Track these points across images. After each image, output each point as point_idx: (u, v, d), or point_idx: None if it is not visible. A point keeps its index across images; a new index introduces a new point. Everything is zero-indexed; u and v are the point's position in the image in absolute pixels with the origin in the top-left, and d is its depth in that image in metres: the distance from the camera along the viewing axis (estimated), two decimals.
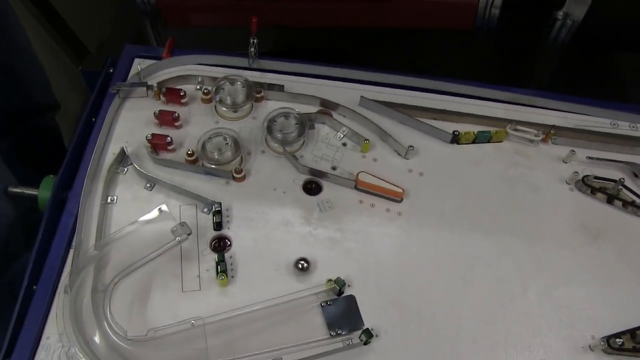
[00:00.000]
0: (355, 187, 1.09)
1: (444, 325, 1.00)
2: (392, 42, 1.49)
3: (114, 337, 0.90)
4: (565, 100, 1.26)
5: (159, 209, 1.01)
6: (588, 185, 1.20)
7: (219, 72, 1.21)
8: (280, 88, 1.18)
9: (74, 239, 1.00)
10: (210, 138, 1.08)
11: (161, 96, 1.15)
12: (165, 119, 1.11)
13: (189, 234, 0.97)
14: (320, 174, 1.09)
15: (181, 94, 1.14)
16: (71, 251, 0.99)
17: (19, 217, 1.18)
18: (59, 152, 1.53)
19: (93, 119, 1.14)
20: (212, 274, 0.99)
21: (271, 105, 1.18)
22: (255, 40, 1.16)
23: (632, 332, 1.05)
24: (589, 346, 1.02)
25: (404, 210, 1.09)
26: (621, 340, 1.02)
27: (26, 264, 0.99)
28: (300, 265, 1.00)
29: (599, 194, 1.20)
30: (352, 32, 1.53)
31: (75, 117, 1.58)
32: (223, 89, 1.14)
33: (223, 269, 0.97)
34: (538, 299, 1.04)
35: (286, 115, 1.12)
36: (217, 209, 1.03)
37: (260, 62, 1.21)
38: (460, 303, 1.02)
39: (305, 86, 1.21)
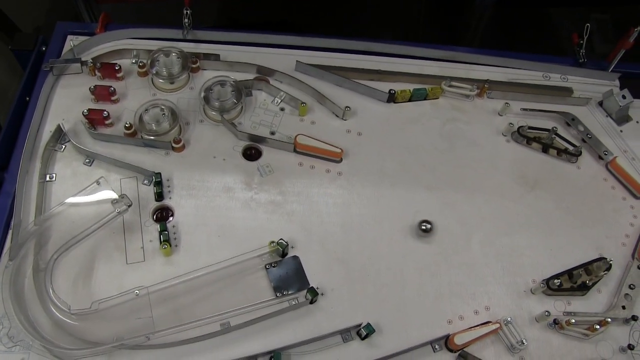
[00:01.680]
0: (295, 150, 1.11)
1: (389, 279, 1.03)
2: (329, 9, 1.49)
3: (58, 313, 0.91)
4: (498, 55, 1.29)
5: (97, 181, 1.01)
6: (523, 136, 1.23)
7: (154, 45, 1.20)
8: (216, 57, 1.19)
9: (13, 219, 0.99)
10: (147, 110, 1.08)
11: (96, 72, 1.14)
12: (102, 93, 1.10)
13: (129, 206, 0.97)
14: (259, 139, 1.11)
15: (116, 68, 1.13)
16: (10, 232, 0.98)
17: None
18: None
19: (27, 98, 1.12)
20: (156, 244, 0.99)
21: (208, 75, 1.18)
22: (188, 11, 1.16)
23: (569, 273, 1.10)
24: (530, 290, 1.07)
25: (344, 170, 1.11)
26: (559, 281, 1.08)
27: None
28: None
29: (535, 144, 1.24)
30: (290, 3, 1.53)
31: (5, 97, 1.55)
32: (158, 60, 1.14)
33: (165, 239, 0.98)
34: (480, 249, 1.08)
35: (222, 84, 1.12)
36: (157, 180, 1.03)
37: (195, 33, 1.21)
38: (404, 257, 1.05)
39: (242, 54, 1.21)
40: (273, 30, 1.24)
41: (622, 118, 1.32)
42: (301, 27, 1.28)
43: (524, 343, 0.99)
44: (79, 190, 1.03)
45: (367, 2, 1.41)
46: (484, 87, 1.23)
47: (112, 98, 1.11)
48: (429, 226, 1.06)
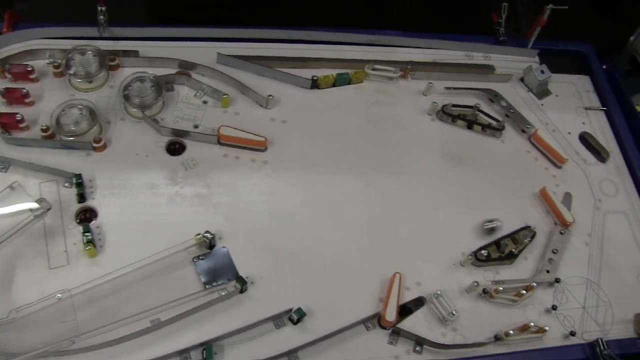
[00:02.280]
0: (219, 142, 1.10)
1: (319, 263, 1.04)
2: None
3: None
4: (421, 37, 1.31)
5: (11, 186, 0.98)
6: (448, 114, 1.26)
7: (70, 44, 1.17)
8: (135, 54, 1.17)
9: None
10: (64, 110, 1.06)
11: (6, 74, 1.10)
12: (14, 96, 1.07)
13: (48, 209, 0.95)
14: (182, 133, 1.10)
15: (28, 69, 1.10)
16: None
17: None
18: None
19: None
20: (80, 246, 0.98)
21: (128, 73, 1.16)
22: (103, 8, 1.14)
23: (497, 243, 1.14)
24: (460, 262, 1.10)
25: (270, 158, 1.12)
26: (487, 251, 1.11)
27: None
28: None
29: (459, 121, 1.27)
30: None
31: None
32: (74, 60, 1.11)
33: (89, 240, 0.96)
34: (409, 226, 1.11)
35: (141, 80, 1.11)
36: (78, 181, 1.01)
37: (111, 30, 1.19)
38: (333, 241, 1.06)
39: (162, 49, 1.20)
40: (193, 23, 1.23)
41: (542, 92, 1.37)
42: (222, 19, 1.27)
43: (454, 314, 1.02)
44: None
45: None
46: (407, 69, 1.25)
47: (27, 100, 1.08)
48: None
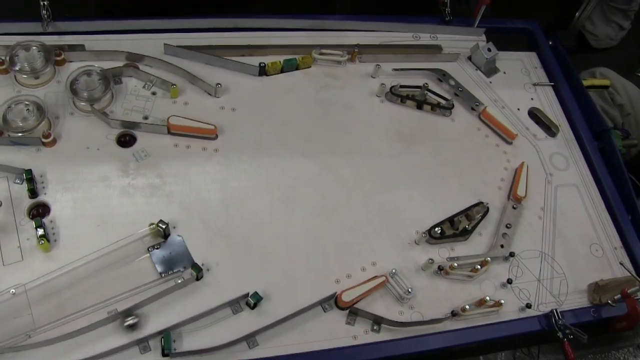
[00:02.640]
0: (169, 132, 1.11)
1: (274, 247, 1.05)
2: None
3: None
4: (368, 20, 1.33)
5: None
6: (397, 95, 1.28)
7: (13, 40, 1.15)
8: (82, 47, 1.17)
9: None
10: (9, 107, 1.05)
11: None
12: None
13: None
14: (132, 125, 1.10)
15: None
16: None
17: None
18: None
19: None
20: (34, 242, 0.98)
21: (75, 67, 1.15)
22: (45, 2, 1.13)
23: (450, 220, 1.16)
24: (415, 241, 1.12)
25: (220, 146, 1.13)
26: (440, 228, 1.13)
27: None
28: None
29: (409, 102, 1.29)
30: None
31: None
32: (18, 56, 1.10)
33: (42, 234, 0.96)
34: (363, 207, 1.13)
35: (88, 73, 1.11)
36: (27, 177, 1.01)
37: (56, 24, 1.18)
38: (287, 224, 1.08)
39: (109, 43, 1.20)
40: (139, 15, 1.23)
41: (490, 70, 1.40)
42: (169, 10, 1.26)
43: (410, 292, 1.04)
44: None
45: None
46: (355, 52, 1.26)
47: None
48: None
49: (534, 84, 1.40)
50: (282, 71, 1.22)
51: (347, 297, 1.01)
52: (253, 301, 0.98)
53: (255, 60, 1.21)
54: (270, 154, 1.14)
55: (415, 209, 1.15)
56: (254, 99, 1.19)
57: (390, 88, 1.25)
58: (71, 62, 1.17)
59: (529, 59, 1.46)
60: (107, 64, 1.16)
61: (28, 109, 1.06)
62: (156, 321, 0.94)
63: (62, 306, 0.93)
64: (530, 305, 1.09)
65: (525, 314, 1.09)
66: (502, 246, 1.15)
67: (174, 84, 1.13)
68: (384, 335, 1.02)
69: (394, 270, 1.05)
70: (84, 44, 1.18)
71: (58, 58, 1.14)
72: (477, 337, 1.06)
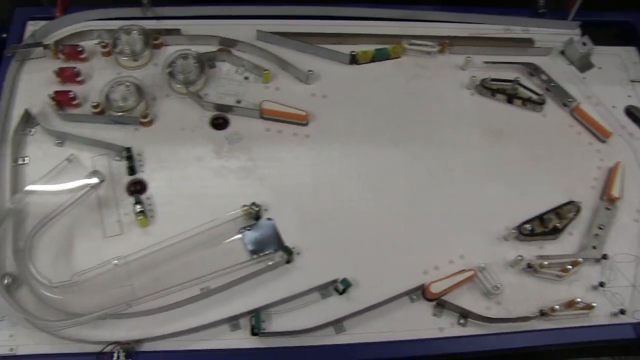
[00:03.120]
0: (261, 117, 1.12)
1: (364, 235, 1.05)
2: None
3: (40, 287, 0.93)
4: (458, 11, 1.31)
5: (68, 159, 1.02)
6: (487, 88, 1.25)
7: (116, 25, 1.20)
8: (177, 32, 1.20)
9: None
10: (112, 87, 1.09)
11: (59, 54, 1.15)
12: (66, 75, 1.11)
13: (102, 181, 0.99)
14: (226, 108, 1.12)
15: (79, 49, 1.14)
16: None
17: None
18: None
19: None
20: (132, 217, 1.01)
21: (171, 51, 1.18)
22: None
23: (540, 218, 1.13)
24: (503, 237, 1.09)
25: (311, 132, 1.13)
26: (530, 226, 1.10)
27: None
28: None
29: (499, 95, 1.26)
30: None
31: None
32: (120, 39, 1.15)
33: (141, 210, 0.99)
34: (451, 200, 1.11)
35: (184, 57, 1.13)
36: (128, 155, 1.05)
37: (155, 10, 1.22)
38: (377, 212, 1.08)
39: (203, 28, 1.22)
40: (232, 2, 1.25)
41: (584, 65, 1.34)
42: None
43: (498, 288, 1.01)
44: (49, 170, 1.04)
45: None
46: (445, 43, 1.24)
47: (78, 79, 1.12)
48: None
49: (632, 81, 1.33)
50: (372, 60, 1.21)
51: (435, 289, 1.00)
52: (342, 287, 0.98)
53: (345, 49, 1.21)
54: (361, 141, 1.13)
55: (504, 205, 1.11)
56: (344, 87, 1.19)
57: (481, 81, 1.22)
58: (167, 45, 1.20)
59: (628, 54, 1.38)
60: (202, 48, 1.18)
61: (129, 90, 1.10)
62: (246, 301, 0.96)
63: (158, 279, 0.96)
64: (625, 312, 1.04)
65: (619, 320, 1.04)
66: (594, 247, 1.10)
67: (267, 69, 1.14)
68: (470, 329, 1.00)
69: (482, 265, 1.03)
70: (180, 29, 1.20)
71: (156, 41, 1.18)
72: (565, 339, 1.02)
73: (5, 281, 0.92)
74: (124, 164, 1.06)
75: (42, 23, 1.20)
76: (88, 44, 1.19)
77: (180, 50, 1.14)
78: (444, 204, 1.10)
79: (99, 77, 1.16)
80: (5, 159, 1.05)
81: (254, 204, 1.01)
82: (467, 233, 1.08)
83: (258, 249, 1.00)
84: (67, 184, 1.01)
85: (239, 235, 1.01)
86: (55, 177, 1.02)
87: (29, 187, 1.01)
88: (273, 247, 1.00)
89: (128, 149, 1.05)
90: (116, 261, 0.95)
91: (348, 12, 1.25)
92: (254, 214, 1.01)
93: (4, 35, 1.17)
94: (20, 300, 0.93)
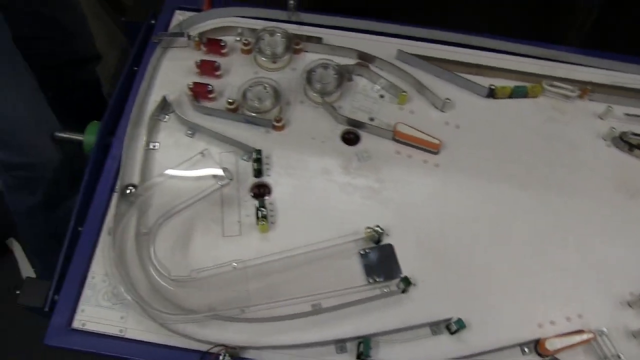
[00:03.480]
0: (393, 138, 1.10)
1: (482, 276, 1.01)
2: None
3: (158, 278, 0.93)
4: (602, 57, 1.25)
5: (202, 153, 1.02)
6: (625, 142, 1.19)
7: (258, 24, 1.21)
8: (319, 40, 1.19)
9: (118, 182, 1.03)
10: (251, 87, 1.09)
11: (202, 46, 1.16)
12: (206, 68, 1.12)
13: (230, 179, 0.99)
14: (359, 124, 1.10)
15: (222, 44, 1.14)
16: (115, 194, 1.02)
17: (64, 163, 1.21)
18: (98, 102, 1.56)
19: (135, 68, 1.15)
20: (252, 219, 1.01)
21: (309, 57, 1.18)
22: None
23: None
24: (628, 302, 1.02)
25: (441, 162, 1.10)
26: None
27: (70, 209, 1.02)
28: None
29: (637, 151, 1.20)
30: None
31: (112, 68, 1.60)
32: (263, 39, 1.15)
33: (264, 215, 0.99)
34: (576, 254, 1.05)
35: (325, 66, 1.12)
36: (257, 157, 1.04)
37: (299, 15, 1.21)
38: (497, 255, 1.03)
39: (343, 39, 1.21)
40: (375, 17, 1.24)
41: None
42: (397, 12, 1.26)
43: (620, 358, 0.95)
44: (181, 160, 1.04)
45: None
46: (586, 89, 1.19)
47: (216, 73, 1.13)
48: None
49: None
50: (509, 96, 1.17)
51: (550, 346, 0.94)
52: (455, 327, 0.94)
53: (483, 80, 1.17)
54: (489, 179, 1.09)
55: (632, 268, 1.04)
56: (478, 120, 1.15)
57: (620, 133, 1.16)
58: (307, 52, 1.20)
59: None
60: (339, 60, 1.17)
61: (266, 92, 1.09)
62: (356, 325, 0.93)
63: (271, 288, 0.95)
64: None
65: None
66: None
67: (405, 91, 1.12)
68: None
69: (604, 330, 0.97)
70: (322, 37, 1.20)
71: (297, 47, 1.17)
72: None
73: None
74: (250, 165, 1.05)
75: (189, 14, 1.22)
76: (228, 39, 1.19)
77: (323, 59, 1.13)
78: (566, 257, 1.04)
79: (236, 74, 1.16)
80: (138, 141, 1.07)
81: (378, 227, 0.99)
82: (588, 291, 1.02)
83: (375, 274, 0.97)
84: (196, 178, 1.01)
85: (356, 257, 0.99)
86: (187, 169, 1.03)
87: (157, 179, 1.01)
88: (390, 274, 0.98)
89: (259, 151, 1.04)
90: (235, 264, 0.95)
91: (489, 43, 1.21)
92: (377, 237, 0.99)
93: (152, 22, 1.20)
94: (136, 284, 0.94)
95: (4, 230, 1.85)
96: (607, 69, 1.24)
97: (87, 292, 0.95)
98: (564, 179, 1.13)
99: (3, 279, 1.70)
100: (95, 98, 1.61)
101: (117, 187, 1.02)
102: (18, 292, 0.96)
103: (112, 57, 1.58)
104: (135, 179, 1.02)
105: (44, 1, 1.23)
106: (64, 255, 0.97)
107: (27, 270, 1.73)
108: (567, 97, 1.20)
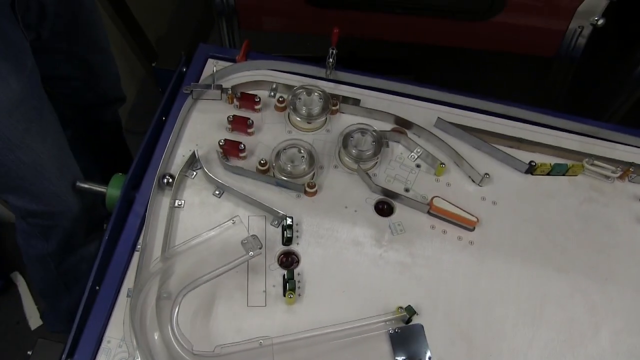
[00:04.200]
0: (428, 212, 1.06)
1: None
2: (458, 60, 1.45)
3: (180, 351, 0.88)
4: None
5: (232, 220, 0.98)
6: None
7: (294, 79, 1.18)
8: (356, 102, 1.15)
9: (140, 241, 0.98)
10: (285, 149, 1.05)
11: (234, 100, 1.12)
12: (239, 124, 1.08)
13: (260, 248, 0.94)
14: (394, 195, 1.06)
15: (256, 100, 1.11)
16: (136, 254, 0.97)
17: (83, 212, 1.17)
18: (118, 144, 1.52)
19: (164, 118, 1.11)
20: (279, 290, 0.96)
21: (345, 119, 1.15)
22: (334, 51, 1.13)
23: None
24: None
25: (476, 239, 1.06)
26: None
27: (82, 257, 0.98)
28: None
29: None
30: (412, 45, 1.49)
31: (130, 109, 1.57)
32: (300, 98, 1.11)
33: (292, 287, 0.94)
34: (610, 345, 1.00)
35: (363, 132, 1.09)
36: (288, 224, 0.99)
37: (336, 73, 1.18)
38: (528, 341, 0.99)
39: (380, 101, 1.18)
40: (396, 72, 1.21)
41: None
42: (429, 73, 1.24)
43: None
44: (206, 221, 1.00)
45: (503, 63, 1.36)
46: (628, 170, 1.15)
47: (249, 130, 1.09)
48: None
49: None
50: (548, 174, 1.14)
51: None
52: None
53: (520, 154, 1.14)
54: (524, 260, 1.05)
55: None
56: (516, 197, 1.11)
57: None
58: (343, 113, 1.16)
59: None
60: (375, 123, 1.13)
61: (302, 155, 1.05)
62: None
63: None
64: None
65: None
66: None
67: (443, 163, 1.08)
68: None
69: None
70: (360, 99, 1.16)
71: (334, 107, 1.13)
72: None
73: None
74: (279, 231, 1.01)
75: (222, 63, 1.18)
76: (260, 93, 1.16)
77: (361, 123, 1.10)
78: (601, 348, 0.99)
79: (268, 131, 1.13)
80: (163, 198, 1.02)
81: (410, 306, 0.94)
82: None
83: (404, 355, 0.92)
84: (223, 245, 0.96)
85: (386, 336, 0.94)
86: (217, 235, 0.99)
87: (183, 245, 0.97)
88: (419, 356, 0.93)
89: (291, 218, 1.00)
90: (262, 341, 0.90)
91: (529, 115, 1.18)
92: (407, 318, 0.95)
93: (184, 69, 1.16)
94: (152, 350, 0.89)
95: (9, 265, 1.80)
96: None
97: (101, 357, 0.90)
98: (601, 264, 1.08)
99: (6, 314, 1.66)
100: (117, 139, 1.58)
101: (139, 245, 0.97)
102: (30, 352, 0.91)
103: (130, 94, 1.55)
104: (158, 239, 0.98)
105: (76, 41, 1.20)
106: (80, 315, 0.92)
107: (30, 306, 1.68)
108: (607, 177, 1.16)
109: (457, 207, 1.06)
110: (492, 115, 1.20)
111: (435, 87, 1.19)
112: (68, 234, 1.20)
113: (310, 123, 1.12)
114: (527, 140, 1.16)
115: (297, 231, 1.02)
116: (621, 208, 1.15)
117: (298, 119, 1.11)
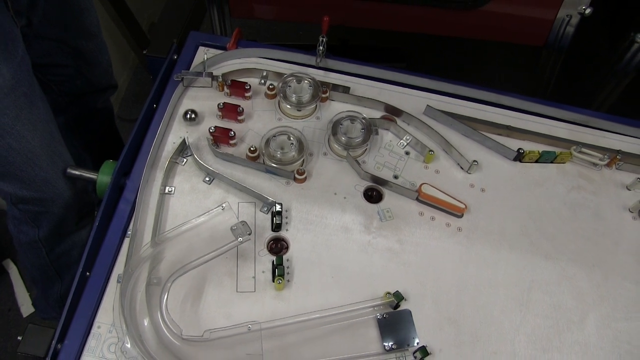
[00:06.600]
0: (417, 199, 1.07)
1: (499, 348, 0.97)
2: (450, 49, 1.45)
3: (169, 336, 0.89)
4: (634, 125, 1.22)
5: (222, 206, 0.99)
6: None
7: (284, 67, 1.19)
8: (346, 90, 1.16)
9: (130, 227, 0.99)
10: (275, 136, 1.06)
11: (225, 88, 1.13)
12: (229, 112, 1.09)
13: (249, 234, 0.95)
14: (382, 182, 1.07)
15: (247, 87, 1.11)
16: (126, 240, 0.98)
17: (74, 199, 1.17)
18: (109, 131, 1.52)
19: (155, 105, 1.12)
20: (268, 275, 0.97)
21: (335, 106, 1.15)
22: (324, 39, 1.13)
23: None
24: None
25: (464, 226, 1.07)
26: None
27: (73, 243, 0.98)
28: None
29: None
30: (405, 34, 1.50)
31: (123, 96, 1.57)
32: (289, 86, 1.11)
33: (281, 273, 0.95)
34: (596, 330, 1.02)
35: (352, 119, 1.09)
36: (278, 210, 1.00)
37: (326, 61, 1.18)
38: (516, 326, 1.00)
39: (370, 89, 1.18)
40: (388, 61, 1.21)
41: None
42: (419, 63, 1.24)
43: None
44: (196, 207, 1.01)
45: (493, 52, 1.37)
46: (615, 158, 1.16)
47: (239, 118, 1.10)
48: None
49: None
50: (536, 161, 1.15)
51: None
52: None
53: (509, 142, 1.15)
54: (512, 247, 1.06)
55: None
56: (504, 184, 1.12)
57: None
58: (332, 101, 1.17)
59: None
60: (365, 111, 1.14)
61: (291, 143, 1.06)
62: None
63: (284, 350, 0.91)
64: None
65: None
66: None
67: (432, 150, 1.09)
68: None
69: None
70: (350, 87, 1.17)
71: (323, 95, 1.14)
72: None
73: None
74: (268, 217, 1.02)
75: (213, 51, 1.19)
76: (250, 81, 1.16)
77: (350, 111, 1.10)
78: (587, 334, 1.01)
79: (258, 119, 1.13)
80: (154, 185, 1.03)
81: (398, 292, 0.95)
82: None
83: (391, 340, 0.93)
84: (212, 233, 0.97)
85: (374, 321, 0.95)
86: (206, 222, 0.99)
87: (174, 231, 0.97)
88: (407, 342, 0.94)
89: (280, 205, 1.01)
90: (250, 326, 0.91)
91: (519, 104, 1.18)
92: (395, 303, 0.96)
93: (175, 57, 1.16)
94: (145, 338, 0.90)
95: (0, 252, 1.80)
96: (636, 137, 1.22)
97: (91, 342, 0.90)
98: (588, 251, 1.09)
99: None
100: (108, 126, 1.58)
101: (129, 231, 0.98)
102: (20, 337, 0.92)
103: (122, 81, 1.54)
104: (148, 225, 0.99)
105: (67, 27, 1.19)
106: (70, 301, 0.92)
107: (22, 293, 1.69)
108: (594, 164, 1.17)
109: (446, 194, 1.06)
110: (482, 104, 1.20)
111: (425, 75, 1.20)
112: (59, 221, 1.20)
113: (300, 110, 1.12)
114: (516, 128, 1.17)
115: (286, 217, 1.03)
116: (609, 196, 1.16)
117: (288, 106, 1.12)
